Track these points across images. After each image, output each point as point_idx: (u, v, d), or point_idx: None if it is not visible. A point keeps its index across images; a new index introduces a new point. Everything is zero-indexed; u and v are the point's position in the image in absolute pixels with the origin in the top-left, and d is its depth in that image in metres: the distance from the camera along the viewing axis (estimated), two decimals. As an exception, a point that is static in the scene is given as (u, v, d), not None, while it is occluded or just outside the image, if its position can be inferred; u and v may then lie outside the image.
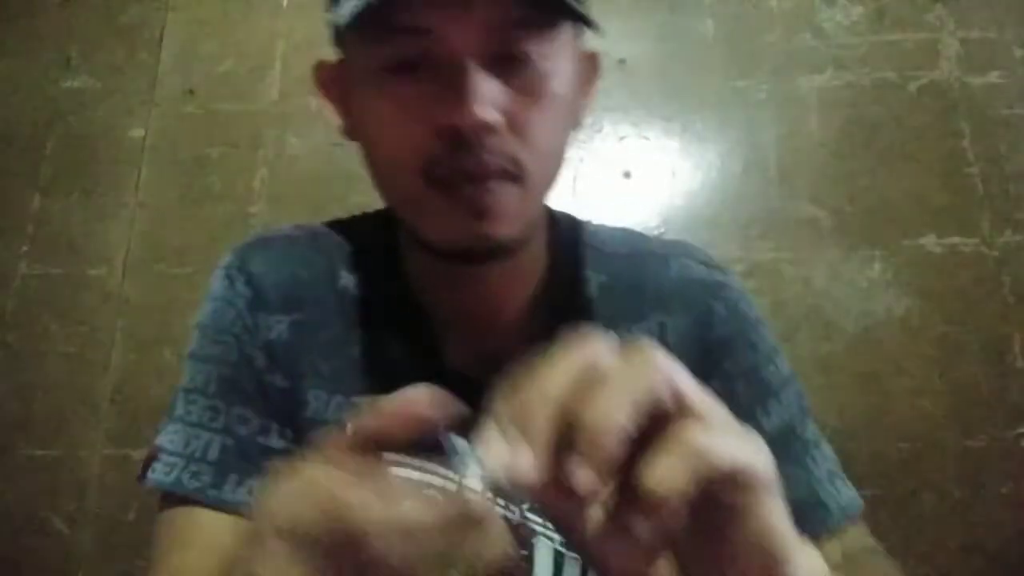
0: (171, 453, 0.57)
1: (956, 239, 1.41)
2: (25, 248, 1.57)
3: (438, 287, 0.58)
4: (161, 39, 1.70)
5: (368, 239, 0.62)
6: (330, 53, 0.57)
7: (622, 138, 1.53)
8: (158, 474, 0.56)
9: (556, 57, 0.49)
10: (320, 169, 1.54)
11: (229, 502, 0.55)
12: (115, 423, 1.45)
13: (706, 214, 1.48)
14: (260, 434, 0.57)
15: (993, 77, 1.50)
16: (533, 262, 0.59)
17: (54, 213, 1.59)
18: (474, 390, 0.58)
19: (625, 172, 1.52)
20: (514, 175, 0.48)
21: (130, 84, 1.67)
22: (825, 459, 0.58)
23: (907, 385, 1.34)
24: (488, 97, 0.45)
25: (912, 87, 1.51)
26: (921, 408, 1.33)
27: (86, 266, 1.55)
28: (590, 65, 0.58)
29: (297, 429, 0.58)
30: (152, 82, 1.67)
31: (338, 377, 0.58)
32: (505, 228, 0.49)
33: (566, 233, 0.63)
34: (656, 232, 1.46)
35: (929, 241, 1.42)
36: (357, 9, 0.45)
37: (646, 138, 1.54)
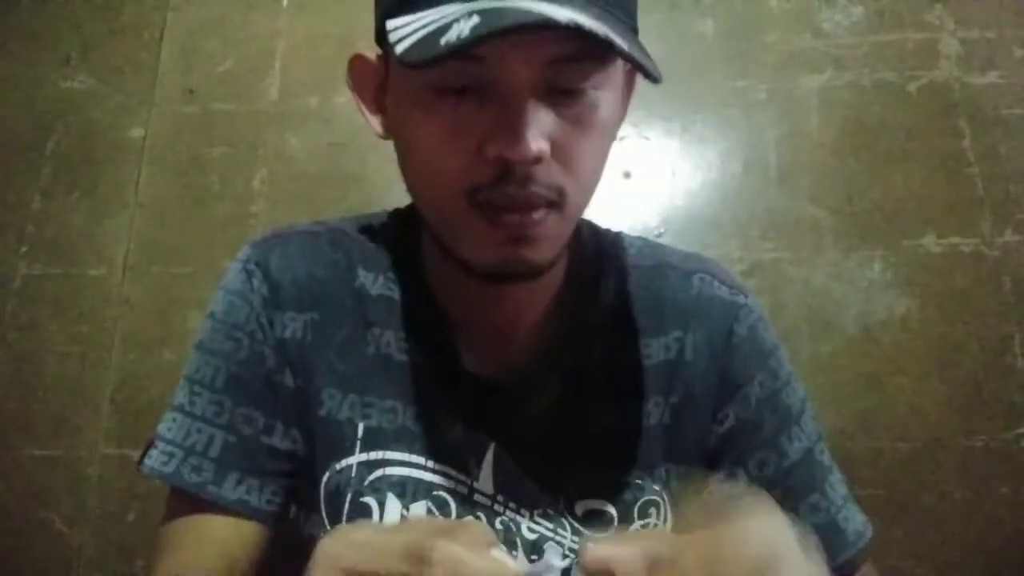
0: (169, 442, 0.56)
1: (956, 239, 1.41)
2: (25, 248, 1.57)
3: (458, 294, 0.58)
4: (161, 39, 1.70)
5: (388, 238, 0.62)
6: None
7: (622, 138, 1.53)
8: (155, 461, 0.56)
9: (606, 86, 0.49)
10: (320, 169, 1.54)
11: (228, 500, 0.55)
12: (115, 423, 1.45)
13: (706, 214, 1.48)
14: (264, 434, 0.57)
15: (993, 77, 1.50)
16: (555, 273, 0.59)
17: (54, 213, 1.59)
18: (489, 392, 0.58)
19: (625, 172, 1.52)
20: (555, 203, 0.48)
21: (130, 84, 1.67)
22: (839, 483, 0.60)
23: (907, 385, 1.34)
24: (540, 130, 0.45)
25: (912, 87, 1.51)
26: (921, 408, 1.33)
27: (86, 266, 1.55)
28: (630, 78, 0.57)
29: (309, 428, 0.58)
30: (152, 82, 1.67)
31: (353, 376, 0.58)
32: (543, 253, 0.50)
33: (588, 240, 0.63)
34: (656, 232, 1.46)
35: (929, 241, 1.42)
36: (426, 54, 0.42)
37: (646, 138, 1.54)
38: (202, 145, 1.60)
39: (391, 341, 0.58)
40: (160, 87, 1.66)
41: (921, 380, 1.34)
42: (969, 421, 1.32)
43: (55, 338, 1.51)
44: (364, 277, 0.60)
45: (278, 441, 0.57)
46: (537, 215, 0.48)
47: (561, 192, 0.48)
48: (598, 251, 0.63)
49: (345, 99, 1.56)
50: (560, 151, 0.47)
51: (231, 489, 0.55)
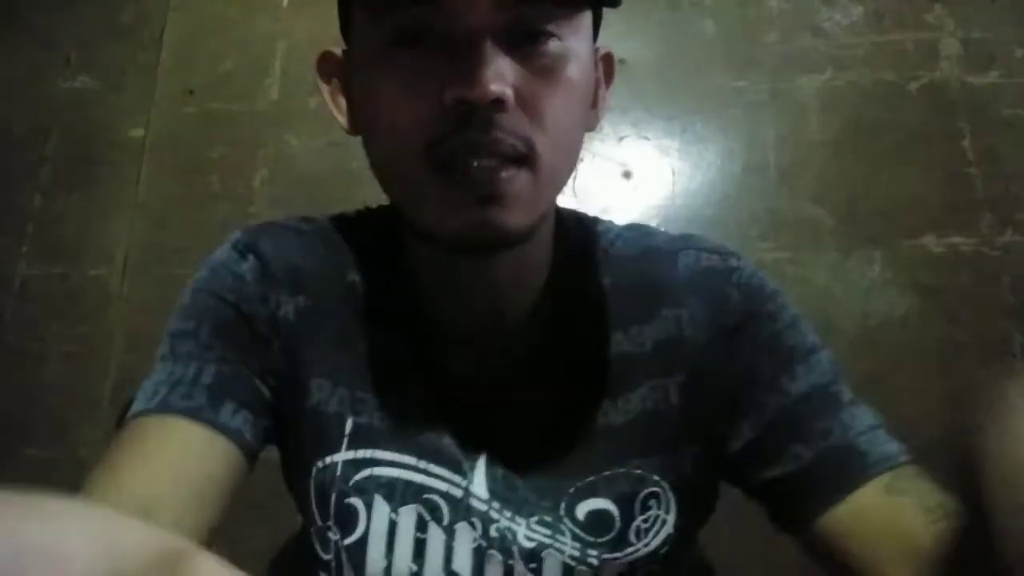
0: (152, 384, 0.52)
1: (956, 239, 1.41)
2: (25, 248, 1.57)
3: (442, 288, 0.56)
4: (161, 39, 1.70)
5: (372, 238, 0.60)
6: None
7: (622, 138, 1.53)
8: (139, 404, 0.51)
9: (573, 40, 0.47)
10: (320, 169, 1.54)
11: (228, 427, 0.50)
12: (115, 423, 1.45)
13: (706, 214, 1.48)
14: (257, 378, 0.54)
15: (993, 77, 1.50)
16: (538, 263, 0.57)
17: (54, 213, 1.59)
18: (478, 396, 0.57)
19: (625, 172, 1.52)
20: (525, 157, 0.45)
21: (130, 84, 1.67)
22: (865, 415, 0.53)
23: (907, 385, 1.34)
24: (499, 72, 0.43)
25: (912, 87, 1.51)
26: (921, 408, 1.33)
27: (86, 266, 1.55)
28: (606, 66, 0.56)
29: (297, 418, 0.56)
30: (152, 82, 1.67)
31: (344, 370, 0.56)
32: (513, 217, 0.46)
33: (573, 234, 0.61)
34: (656, 232, 1.46)
35: (929, 241, 1.42)
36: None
37: (646, 138, 1.54)
38: (202, 145, 1.60)
39: (380, 341, 0.57)
40: (160, 87, 1.66)
41: (921, 380, 1.34)
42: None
43: (55, 338, 1.51)
44: (352, 276, 0.59)
45: (267, 393, 0.54)
46: (506, 173, 0.45)
47: (530, 145, 0.45)
48: (583, 245, 0.60)
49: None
50: (526, 101, 0.45)
51: (229, 417, 0.50)
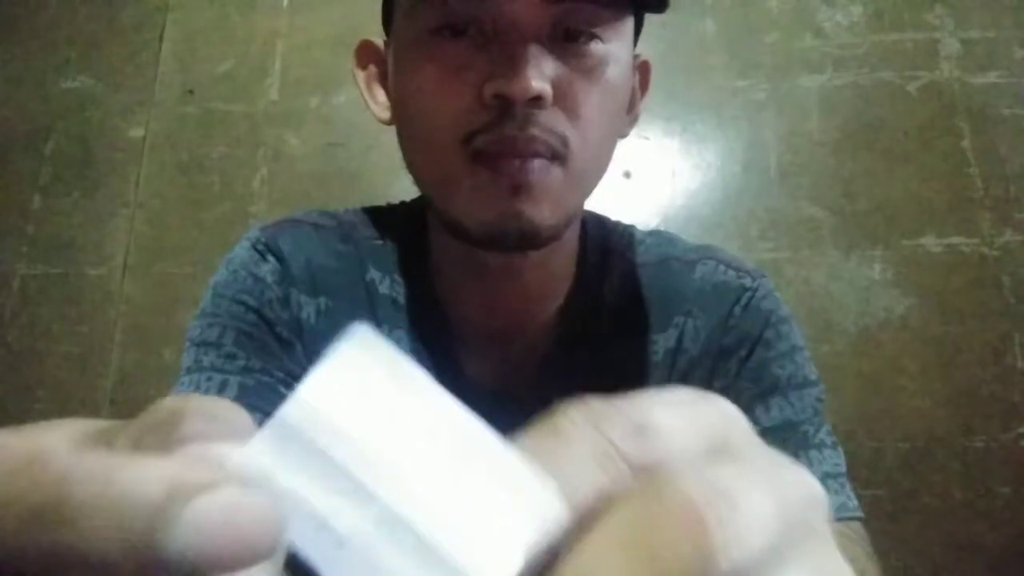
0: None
1: (956, 239, 1.41)
2: (25, 248, 1.57)
3: (467, 288, 0.56)
4: (161, 39, 1.70)
5: (395, 236, 0.60)
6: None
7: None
8: None
9: (615, 44, 0.47)
10: (320, 169, 1.54)
11: None
12: (115, 423, 1.45)
13: (706, 214, 1.48)
14: (283, 384, 0.53)
15: (993, 77, 1.50)
16: (564, 267, 0.57)
17: (54, 213, 1.59)
18: (492, 401, 0.56)
19: (625, 172, 1.52)
20: (559, 154, 0.46)
21: (130, 84, 1.67)
22: (830, 460, 0.53)
23: (907, 385, 1.34)
24: (541, 71, 0.43)
25: (912, 87, 1.51)
26: (921, 408, 1.33)
27: (86, 266, 1.55)
28: (642, 74, 0.56)
29: None
30: (152, 82, 1.67)
31: None
32: (543, 211, 0.46)
33: (595, 239, 0.60)
34: (656, 232, 1.46)
35: (929, 241, 1.42)
36: None
37: (646, 138, 1.54)
38: (202, 145, 1.60)
39: (398, 341, 0.56)
40: (160, 87, 1.66)
41: (921, 380, 1.34)
42: (969, 421, 1.32)
43: (55, 338, 1.51)
44: (373, 274, 0.58)
45: None
46: (539, 163, 0.45)
47: (564, 141, 0.45)
48: (605, 251, 0.60)
49: (345, 99, 1.57)
50: (564, 99, 0.45)
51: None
